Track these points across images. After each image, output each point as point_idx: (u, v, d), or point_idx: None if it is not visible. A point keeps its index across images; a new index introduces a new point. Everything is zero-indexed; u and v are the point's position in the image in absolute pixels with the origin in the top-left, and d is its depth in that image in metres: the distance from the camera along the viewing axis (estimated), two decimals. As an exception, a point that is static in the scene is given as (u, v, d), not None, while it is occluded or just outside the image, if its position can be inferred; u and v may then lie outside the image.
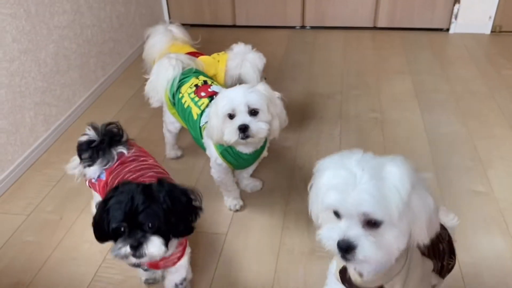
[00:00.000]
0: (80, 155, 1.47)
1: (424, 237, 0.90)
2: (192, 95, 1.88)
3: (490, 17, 3.48)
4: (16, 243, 1.80)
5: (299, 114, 2.60)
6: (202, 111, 1.83)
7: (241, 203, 1.94)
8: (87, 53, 2.70)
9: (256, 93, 1.59)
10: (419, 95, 2.74)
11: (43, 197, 2.04)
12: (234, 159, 1.76)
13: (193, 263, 1.57)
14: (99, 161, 1.44)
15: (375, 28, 3.70)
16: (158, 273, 1.58)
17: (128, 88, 2.93)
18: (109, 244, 1.76)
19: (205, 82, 1.93)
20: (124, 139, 1.50)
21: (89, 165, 1.46)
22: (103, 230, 1.19)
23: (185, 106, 1.90)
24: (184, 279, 1.46)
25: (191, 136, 2.03)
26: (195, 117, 1.85)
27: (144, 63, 2.52)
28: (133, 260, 1.17)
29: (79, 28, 2.61)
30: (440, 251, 1.10)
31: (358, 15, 3.66)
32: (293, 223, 1.87)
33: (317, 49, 3.43)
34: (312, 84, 2.92)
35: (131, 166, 1.45)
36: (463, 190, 2.00)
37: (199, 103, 1.85)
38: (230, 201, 1.93)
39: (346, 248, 0.87)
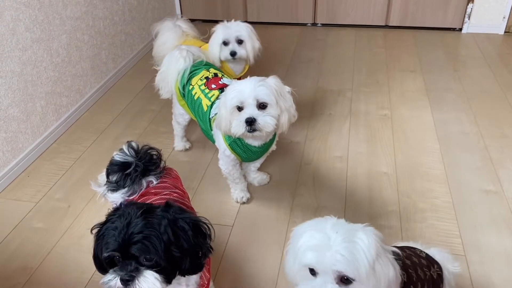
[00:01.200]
0: (108, 175, 1.35)
1: None
2: (203, 87, 1.89)
3: (504, 17, 3.44)
4: (25, 229, 1.82)
5: (309, 110, 2.60)
6: (212, 103, 1.83)
7: (248, 195, 1.94)
8: (99, 45, 2.72)
9: (265, 86, 1.58)
10: (430, 93, 2.72)
11: (51, 186, 2.06)
12: (243, 151, 1.76)
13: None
14: (124, 190, 1.31)
15: (387, 26, 3.67)
16: None
17: (138, 81, 2.95)
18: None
19: (215, 74, 1.94)
20: (160, 168, 1.38)
21: (113, 190, 1.33)
22: (98, 258, 1.07)
23: (195, 97, 1.90)
24: None
25: (200, 129, 2.04)
26: (205, 108, 1.86)
27: (154, 60, 2.51)
28: None
29: (91, 19, 2.62)
30: None
31: (370, 13, 3.64)
32: (300, 217, 1.86)
33: (328, 47, 3.41)
34: (323, 81, 2.91)
35: (150, 200, 1.30)
36: (473, 189, 1.98)
37: (210, 95, 1.85)
38: (237, 193, 1.93)
39: None
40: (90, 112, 2.62)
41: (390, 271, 1.00)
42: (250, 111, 1.57)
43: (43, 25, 2.22)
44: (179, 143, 2.27)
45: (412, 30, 3.61)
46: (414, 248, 1.36)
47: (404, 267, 1.12)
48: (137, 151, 1.35)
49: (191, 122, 2.14)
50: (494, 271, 1.59)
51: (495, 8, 3.42)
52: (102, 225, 1.07)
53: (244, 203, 1.93)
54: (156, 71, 2.79)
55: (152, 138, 2.37)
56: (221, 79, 1.91)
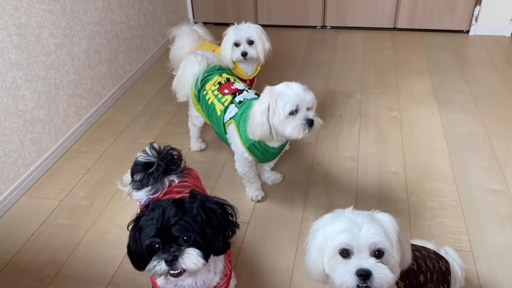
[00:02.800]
0: (132, 175, 1.43)
1: (403, 265, 1.10)
2: (216, 92, 1.97)
3: (510, 20, 3.49)
4: (51, 225, 1.92)
5: (319, 111, 2.66)
6: (226, 107, 1.91)
7: (262, 194, 2.02)
8: (116, 48, 2.82)
9: (310, 91, 1.72)
10: (438, 95, 2.79)
11: (75, 184, 2.16)
12: (261, 153, 1.84)
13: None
14: (148, 188, 1.38)
15: (395, 29, 3.74)
16: None
17: (154, 83, 3.04)
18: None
19: (228, 79, 2.02)
20: (180, 167, 1.45)
21: (137, 189, 1.40)
22: (138, 252, 1.12)
23: (209, 102, 1.98)
24: None
25: (214, 131, 2.12)
26: (218, 113, 1.93)
27: (171, 64, 2.60)
28: (172, 278, 1.10)
29: (109, 24, 2.72)
30: (421, 282, 1.25)
31: (378, 15, 3.71)
32: (312, 215, 1.94)
33: (338, 49, 3.49)
34: (333, 83, 2.99)
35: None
36: (480, 188, 2.04)
37: (223, 100, 1.93)
38: (252, 192, 2.01)
39: (366, 274, 1.02)
40: (108, 114, 2.72)
41: (410, 246, 1.11)
42: (305, 113, 1.68)
43: (65, 31, 2.32)
44: (195, 144, 2.36)
45: (420, 33, 3.68)
46: (423, 246, 1.43)
47: (414, 258, 1.19)
48: (158, 152, 1.43)
49: (206, 123, 2.23)
50: (500, 267, 1.66)
51: (502, 11, 3.47)
52: (137, 220, 1.13)
53: (259, 201, 2.01)
54: (171, 74, 2.89)
55: (169, 139, 2.47)
56: (233, 84, 1.99)
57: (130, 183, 1.44)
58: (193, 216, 1.10)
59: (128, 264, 1.71)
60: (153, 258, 1.09)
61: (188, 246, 1.08)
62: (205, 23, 3.99)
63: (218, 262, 1.24)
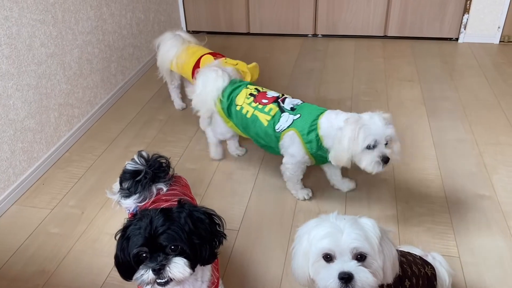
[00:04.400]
0: (121, 183, 1.44)
1: (389, 277, 1.11)
2: (253, 104, 1.96)
3: (498, 27, 3.55)
4: (42, 234, 1.92)
5: (310, 119, 2.70)
6: (274, 116, 1.92)
7: (310, 192, 2.07)
8: (108, 57, 2.84)
9: (392, 126, 1.74)
10: (427, 102, 2.82)
11: (65, 193, 2.16)
12: (319, 157, 1.89)
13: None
14: (136, 196, 1.40)
15: (385, 37, 3.79)
16: None
17: (146, 92, 3.06)
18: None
19: (257, 90, 2.02)
20: (169, 175, 1.46)
21: (125, 197, 1.42)
22: (125, 261, 1.12)
23: (248, 115, 1.97)
24: None
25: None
26: (265, 123, 1.94)
27: (159, 71, 2.64)
28: (159, 287, 1.10)
29: (101, 34, 2.74)
30: (406, 287, 1.27)
31: (369, 24, 3.75)
32: (302, 222, 1.93)
33: (329, 57, 3.52)
34: (323, 90, 3.02)
35: (162, 207, 1.35)
36: (468, 194, 2.07)
37: (266, 110, 1.93)
38: (301, 192, 2.06)
39: (348, 277, 1.04)
40: (100, 122, 2.73)
41: (393, 249, 1.13)
42: (383, 149, 1.71)
43: (57, 40, 2.34)
44: (216, 151, 2.32)
45: (410, 40, 3.72)
46: (409, 252, 1.45)
47: (399, 263, 1.21)
48: (147, 160, 1.45)
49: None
50: (487, 272, 1.68)
51: (490, 19, 3.53)
52: (124, 229, 1.13)
53: (310, 198, 2.06)
54: (163, 83, 2.90)
55: (160, 147, 2.48)
56: (267, 93, 2.00)
57: (118, 191, 1.45)
58: (181, 225, 1.11)
59: (118, 273, 1.72)
60: (140, 267, 1.09)
61: (175, 255, 1.09)
62: (198, 32, 4.04)
63: (205, 271, 1.25)
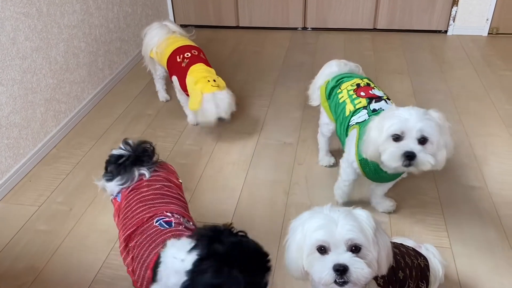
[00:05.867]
0: (106, 168, 1.47)
1: (384, 268, 1.10)
2: (351, 92, 1.86)
3: (487, 20, 3.56)
4: (29, 231, 1.88)
5: (301, 112, 2.68)
6: (356, 110, 1.80)
7: (345, 197, 1.93)
8: (95, 52, 2.79)
9: (431, 120, 1.49)
10: (417, 95, 2.82)
11: (53, 189, 2.12)
12: (371, 172, 1.71)
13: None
14: (118, 178, 1.41)
15: (375, 30, 3.78)
16: None
17: (134, 86, 3.02)
18: (116, 233, 1.84)
19: (368, 84, 1.91)
20: (152, 160, 1.46)
21: (108, 180, 1.44)
22: None
23: (340, 101, 1.88)
24: None
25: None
26: (347, 113, 1.82)
27: (144, 59, 2.71)
28: None
29: (88, 27, 2.69)
30: (400, 279, 1.27)
31: (358, 17, 3.74)
32: (293, 215, 1.92)
33: (319, 50, 3.51)
34: (313, 84, 3.00)
35: (141, 195, 1.38)
36: (459, 185, 2.07)
37: (356, 101, 1.82)
38: (338, 190, 1.93)
39: (343, 269, 1.03)
40: (88, 118, 2.69)
41: (387, 240, 1.12)
42: (412, 145, 1.47)
43: (42, 34, 2.29)
44: (324, 158, 2.22)
45: (399, 33, 3.72)
46: (402, 243, 1.45)
47: (393, 255, 1.21)
48: (132, 146, 1.46)
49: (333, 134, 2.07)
50: (478, 263, 1.68)
51: (479, 11, 3.54)
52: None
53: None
54: (152, 77, 2.87)
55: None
56: (372, 89, 1.85)
57: (102, 175, 1.47)
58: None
59: (108, 269, 1.70)
60: None
61: None
62: (186, 26, 3.99)
63: None
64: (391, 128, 1.49)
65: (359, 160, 1.71)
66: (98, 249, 1.79)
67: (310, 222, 1.10)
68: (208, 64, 2.45)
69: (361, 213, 1.11)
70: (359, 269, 1.03)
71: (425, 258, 1.42)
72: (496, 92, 2.81)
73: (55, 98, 2.44)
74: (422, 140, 1.47)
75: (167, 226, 1.28)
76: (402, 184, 2.08)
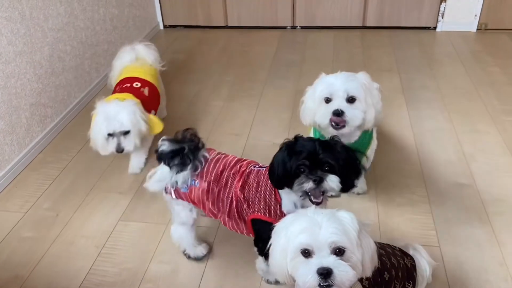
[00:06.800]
0: (168, 164, 1.45)
1: (368, 270, 1.10)
2: None
3: (475, 15, 3.56)
4: (15, 239, 1.86)
5: (290, 112, 2.67)
6: None
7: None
8: (81, 55, 2.76)
9: (356, 81, 1.65)
10: (406, 92, 2.82)
11: (39, 195, 2.10)
12: None
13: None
14: (190, 166, 1.46)
15: (364, 27, 3.77)
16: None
17: (122, 89, 2.99)
18: (103, 239, 1.82)
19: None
20: (201, 142, 1.52)
21: (181, 170, 1.45)
22: (284, 171, 1.30)
23: None
24: None
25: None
26: None
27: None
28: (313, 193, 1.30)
29: (73, 30, 2.66)
30: (385, 280, 1.26)
31: (347, 14, 3.73)
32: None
33: (308, 49, 3.50)
34: (303, 83, 2.96)
35: (223, 163, 1.51)
36: (447, 182, 2.07)
37: None
38: None
39: (326, 273, 1.02)
40: (75, 122, 2.66)
41: (371, 242, 1.11)
42: (339, 103, 1.63)
43: (25, 38, 2.26)
44: None
45: (388, 30, 3.72)
46: (388, 244, 1.44)
47: (378, 256, 1.20)
48: (176, 140, 1.46)
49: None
50: (466, 261, 1.68)
51: (467, 7, 3.54)
52: (288, 146, 1.32)
53: (332, 196, 1.94)
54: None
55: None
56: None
57: (170, 170, 1.46)
58: (337, 152, 1.29)
59: (94, 276, 1.68)
60: (302, 176, 1.28)
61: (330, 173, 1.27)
62: (175, 26, 3.97)
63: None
64: (321, 93, 1.66)
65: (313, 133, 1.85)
66: (84, 255, 1.77)
67: (293, 225, 1.09)
68: (146, 100, 2.14)
69: (345, 216, 1.10)
70: (343, 272, 1.02)
71: (411, 258, 1.41)
72: (485, 88, 2.81)
73: (40, 103, 2.41)
74: (351, 99, 1.64)
75: (265, 168, 1.48)
76: (390, 182, 2.08)
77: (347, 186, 1.33)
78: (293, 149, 1.30)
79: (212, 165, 1.51)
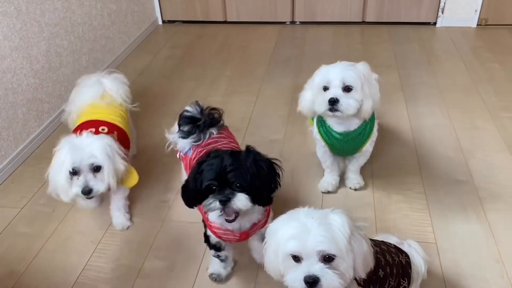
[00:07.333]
0: (179, 125, 1.64)
1: (361, 273, 1.10)
2: None
3: (476, 11, 3.54)
4: (11, 234, 1.86)
5: (288, 107, 2.66)
6: None
7: (330, 188, 1.99)
8: (78, 50, 2.75)
9: (353, 71, 1.68)
10: (405, 88, 2.80)
11: (36, 191, 2.09)
12: (327, 136, 1.85)
13: (184, 249, 1.64)
14: (193, 136, 1.61)
15: (363, 22, 3.75)
16: (228, 269, 1.63)
17: (120, 84, 2.98)
18: (99, 235, 1.83)
19: None
20: (220, 124, 1.68)
21: (183, 137, 1.63)
22: (195, 191, 1.31)
23: None
24: None
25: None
26: None
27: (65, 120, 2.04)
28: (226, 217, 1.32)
29: (70, 25, 2.65)
30: (380, 277, 1.26)
31: (347, 10, 3.71)
32: (279, 211, 1.91)
33: (307, 44, 3.48)
34: (302, 79, 2.95)
35: (219, 142, 1.62)
36: (444, 179, 2.06)
37: None
38: (322, 182, 2.01)
39: (312, 282, 1.03)
40: (72, 117, 2.65)
41: (364, 245, 1.10)
42: (334, 91, 1.67)
43: (21, 33, 2.25)
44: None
45: (388, 26, 3.70)
46: (383, 241, 1.43)
47: (371, 259, 1.19)
48: (202, 109, 1.67)
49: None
50: (463, 257, 1.67)
51: (468, 2, 3.52)
52: (199, 164, 1.32)
53: (329, 192, 2.00)
54: (137, 75, 2.82)
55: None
56: None
57: (177, 132, 1.66)
58: (247, 168, 1.28)
59: (90, 271, 1.68)
60: (210, 196, 1.29)
61: (240, 192, 1.27)
62: (173, 21, 3.96)
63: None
64: (319, 82, 1.70)
65: (317, 128, 1.88)
66: (80, 250, 1.77)
67: (283, 230, 1.09)
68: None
69: (336, 220, 1.08)
70: (330, 281, 1.03)
71: (406, 255, 1.41)
72: (484, 84, 2.80)
73: (37, 98, 2.40)
74: (347, 88, 1.67)
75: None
76: (388, 178, 2.07)
77: (261, 201, 1.33)
78: (202, 169, 1.30)
79: (210, 141, 1.61)
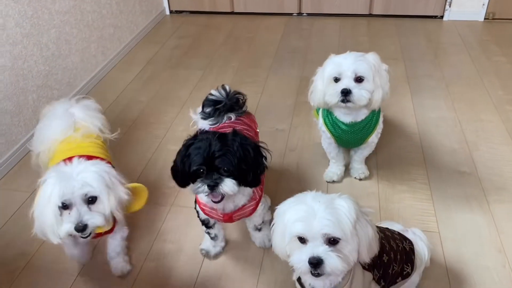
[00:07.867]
0: (203, 107, 1.71)
1: (365, 257, 1.14)
2: None
3: (483, 4, 3.53)
4: (21, 218, 1.90)
5: (294, 98, 2.68)
6: None
7: (335, 178, 2.02)
8: (87, 38, 2.78)
9: (365, 61, 1.68)
10: (411, 80, 2.82)
11: (46, 176, 2.13)
12: (333, 127, 1.86)
13: (191, 232, 1.67)
14: (212, 119, 1.67)
15: (370, 15, 3.75)
16: (217, 248, 1.69)
17: (127, 73, 3.01)
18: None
19: None
20: (242, 109, 1.71)
21: (203, 119, 1.69)
22: (183, 173, 1.34)
23: None
24: (262, 222, 1.65)
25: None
26: None
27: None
28: (212, 199, 1.37)
29: (80, 13, 2.68)
30: (384, 262, 1.30)
31: (354, 2, 3.71)
32: (285, 199, 1.95)
33: (313, 36, 3.49)
34: (308, 70, 2.99)
35: (231, 126, 1.63)
36: (449, 170, 2.08)
37: None
38: (327, 172, 2.04)
39: (316, 263, 1.06)
40: (81, 104, 2.68)
41: (369, 230, 1.13)
42: (347, 82, 1.67)
43: (32, 20, 2.28)
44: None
45: (395, 19, 3.70)
46: (387, 228, 1.46)
47: (377, 244, 1.22)
48: (227, 93, 1.71)
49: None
50: (465, 247, 1.70)
51: (475, -4, 3.51)
52: (186, 147, 1.34)
53: (334, 181, 2.03)
54: (146, 64, 2.83)
55: (142, 129, 2.45)
56: None
57: (200, 113, 1.72)
58: (234, 152, 1.31)
59: (100, 254, 1.71)
60: (198, 180, 1.33)
61: (227, 176, 1.31)
62: (181, 12, 3.97)
63: (247, 188, 1.45)
64: (330, 72, 1.70)
65: (323, 120, 1.89)
66: (89, 234, 1.80)
67: (290, 212, 1.12)
68: None
69: (343, 204, 1.10)
70: (333, 263, 1.07)
71: (410, 242, 1.44)
72: (490, 77, 2.80)
73: (47, 85, 2.43)
74: (358, 79, 1.68)
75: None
76: (392, 168, 2.09)
77: (249, 183, 1.38)
78: (190, 152, 1.32)
79: (224, 125, 1.65)
